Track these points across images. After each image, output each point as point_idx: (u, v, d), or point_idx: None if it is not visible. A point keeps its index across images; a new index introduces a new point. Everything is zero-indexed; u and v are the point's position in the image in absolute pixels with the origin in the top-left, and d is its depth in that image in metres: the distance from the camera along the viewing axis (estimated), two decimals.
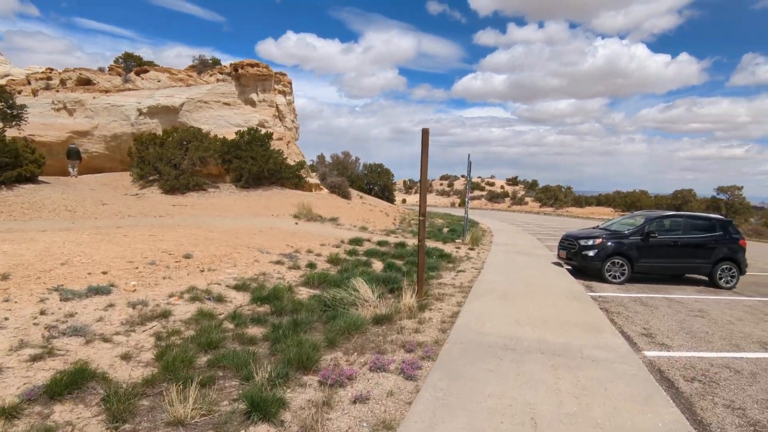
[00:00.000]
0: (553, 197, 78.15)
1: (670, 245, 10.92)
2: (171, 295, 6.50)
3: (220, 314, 6.08)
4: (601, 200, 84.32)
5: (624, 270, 10.70)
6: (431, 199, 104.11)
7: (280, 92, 30.72)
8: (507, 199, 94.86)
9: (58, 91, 33.93)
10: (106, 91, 33.15)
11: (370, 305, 6.85)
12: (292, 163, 27.69)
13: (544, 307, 7.32)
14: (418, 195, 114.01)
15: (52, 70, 36.21)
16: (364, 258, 11.28)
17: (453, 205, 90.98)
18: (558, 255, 12.38)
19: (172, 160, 21.72)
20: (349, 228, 16.74)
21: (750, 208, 53.19)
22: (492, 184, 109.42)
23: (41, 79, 35.02)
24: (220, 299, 6.65)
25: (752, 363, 5.50)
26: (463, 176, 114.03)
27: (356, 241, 13.10)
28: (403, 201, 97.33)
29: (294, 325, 5.81)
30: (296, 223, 15.44)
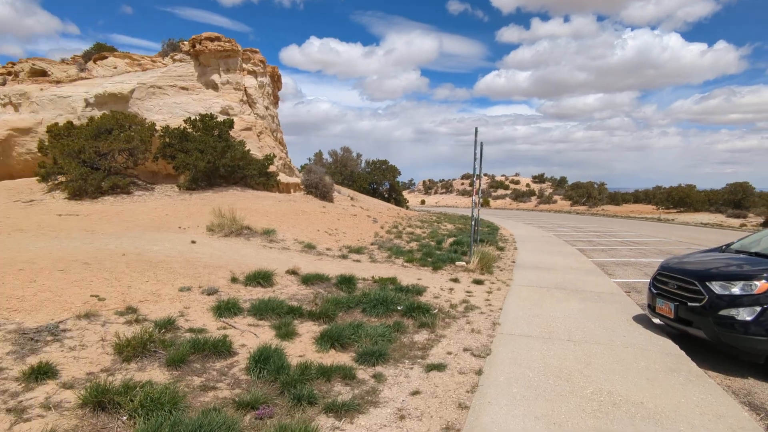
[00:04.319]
0: (586, 194, 70.59)
1: None
2: None
3: None
4: (639, 197, 76.49)
5: None
6: (451, 199, 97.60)
7: (249, 73, 25.04)
8: (533, 198, 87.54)
9: (3, 84, 29.00)
10: (58, 82, 28.07)
11: None
12: (261, 158, 21.92)
13: None
14: (438, 195, 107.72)
15: (14, 64, 31.31)
16: (219, 334, 5.32)
17: (475, 205, 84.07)
18: (652, 306, 6.08)
19: (80, 154, 16.16)
20: (285, 247, 10.76)
21: None
22: (517, 183, 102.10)
23: (0, 74, 30.11)
24: None
25: None
26: (486, 175, 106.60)
27: (259, 278, 7.10)
28: (422, 202, 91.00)
29: None
30: (193, 242, 9.54)
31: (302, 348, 4.97)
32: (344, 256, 10.45)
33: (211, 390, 3.89)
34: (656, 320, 6.31)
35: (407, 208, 40.16)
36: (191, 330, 5.13)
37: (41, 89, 27.25)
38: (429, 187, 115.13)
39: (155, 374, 4.05)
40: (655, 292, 5.93)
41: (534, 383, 4.04)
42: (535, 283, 8.93)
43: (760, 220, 35.93)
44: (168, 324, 5.07)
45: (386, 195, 40.23)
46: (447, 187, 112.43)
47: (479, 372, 4.31)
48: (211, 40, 23.73)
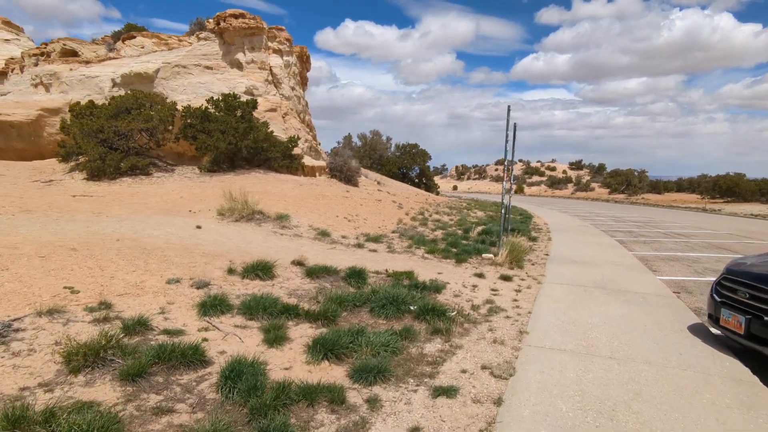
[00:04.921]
0: (626, 182, 67.66)
1: None
2: None
3: None
4: (683, 185, 72.92)
5: None
6: (484, 185, 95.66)
7: (275, 51, 24.35)
8: (570, 185, 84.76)
9: (36, 65, 29.29)
10: (87, 62, 28.11)
11: None
12: (285, 139, 21.30)
13: None
14: (470, 181, 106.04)
15: (46, 44, 31.58)
16: (197, 338, 4.63)
17: (508, 191, 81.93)
18: (714, 316, 5.05)
19: (99, 134, 15.86)
20: (297, 234, 10.05)
21: None
22: (553, 169, 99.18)
23: (34, 55, 30.43)
24: None
25: None
26: (521, 161, 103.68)
27: (258, 270, 6.41)
28: (454, 188, 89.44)
29: None
30: (198, 227, 8.94)
31: (290, 358, 4.23)
32: (360, 245, 9.67)
33: (167, 414, 3.18)
34: (715, 330, 5.30)
35: (438, 193, 39.11)
36: (166, 332, 4.46)
37: (71, 69, 27.36)
38: (462, 173, 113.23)
39: (103, 391, 3.37)
40: (719, 300, 4.91)
41: (568, 422, 3.16)
42: (571, 281, 7.95)
43: None
44: (139, 324, 4.41)
45: (416, 180, 39.25)
46: (480, 172, 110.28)
47: (498, 402, 3.45)
48: (236, 17, 23.12)
